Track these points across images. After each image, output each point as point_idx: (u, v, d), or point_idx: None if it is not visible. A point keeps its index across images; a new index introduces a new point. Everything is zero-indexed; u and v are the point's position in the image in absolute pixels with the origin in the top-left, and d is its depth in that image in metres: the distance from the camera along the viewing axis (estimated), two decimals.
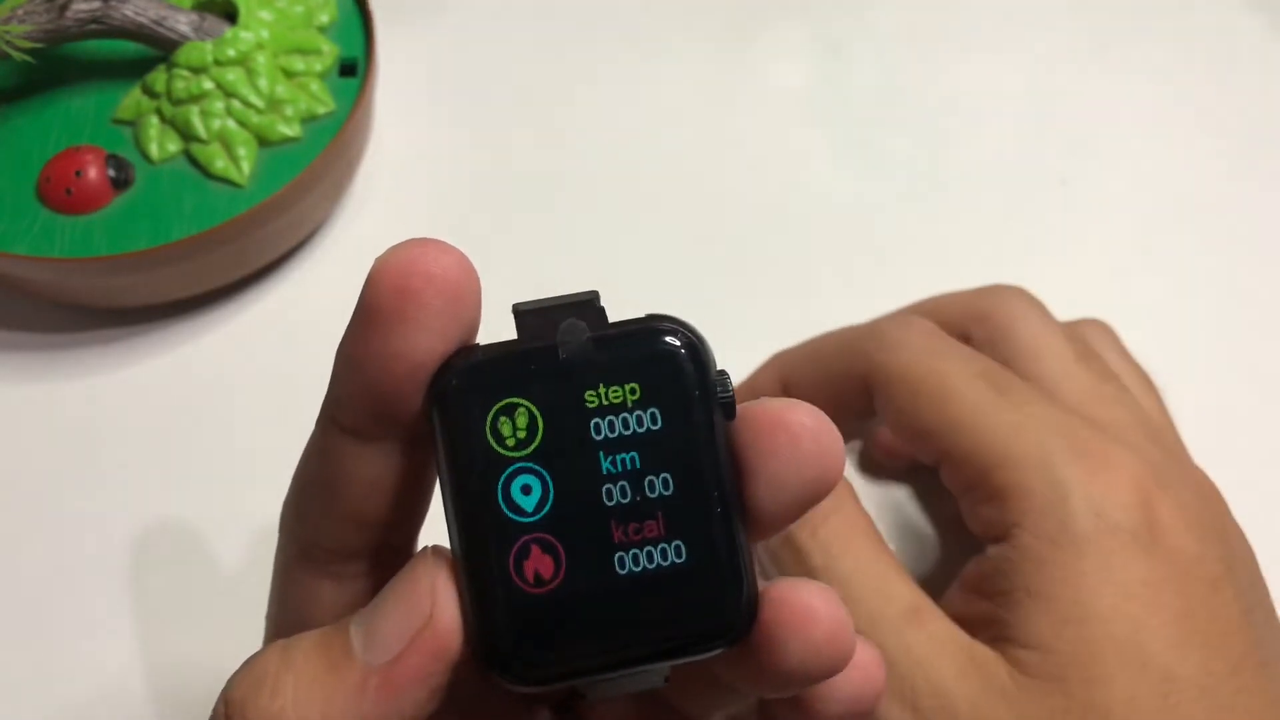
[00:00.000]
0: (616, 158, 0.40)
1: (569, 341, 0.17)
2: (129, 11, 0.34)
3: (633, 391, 0.17)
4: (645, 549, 0.16)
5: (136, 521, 0.32)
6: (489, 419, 0.16)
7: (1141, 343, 0.32)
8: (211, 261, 0.35)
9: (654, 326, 0.17)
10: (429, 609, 0.16)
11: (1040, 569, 0.24)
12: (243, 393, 0.35)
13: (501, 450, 0.16)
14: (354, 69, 0.37)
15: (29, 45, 0.33)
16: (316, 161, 0.35)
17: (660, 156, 0.40)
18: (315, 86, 0.36)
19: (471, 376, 0.17)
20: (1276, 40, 0.44)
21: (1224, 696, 0.23)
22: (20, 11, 0.33)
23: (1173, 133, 0.42)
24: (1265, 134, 0.42)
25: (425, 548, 0.17)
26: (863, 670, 0.19)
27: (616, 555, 0.16)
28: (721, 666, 0.18)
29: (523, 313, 0.17)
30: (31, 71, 0.36)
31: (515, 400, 0.17)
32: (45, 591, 0.31)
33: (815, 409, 0.17)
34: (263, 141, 0.35)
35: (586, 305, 0.17)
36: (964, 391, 0.26)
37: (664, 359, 0.17)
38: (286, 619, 0.20)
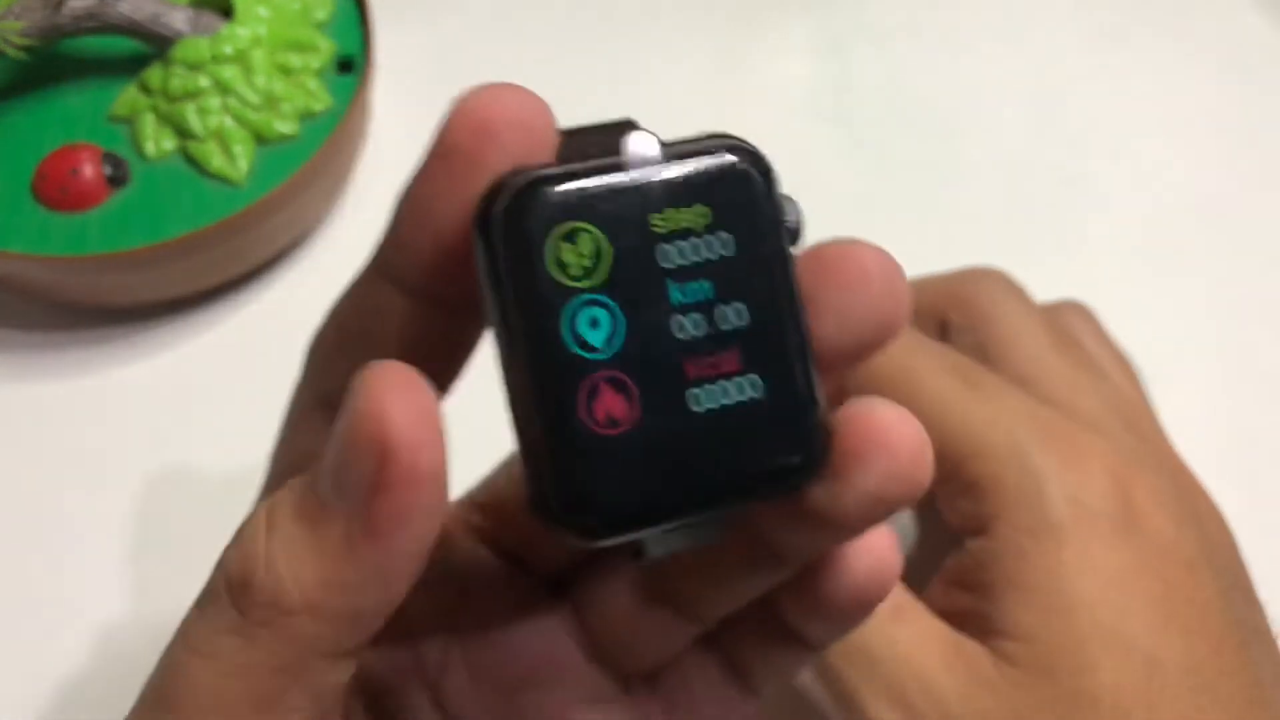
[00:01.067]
0: None
1: (638, 157, 0.15)
2: (125, 8, 0.34)
3: (702, 215, 0.15)
4: (720, 384, 0.16)
5: (133, 520, 0.32)
6: (549, 245, 0.15)
7: (1144, 341, 0.31)
8: (208, 260, 0.34)
9: (721, 143, 0.16)
10: (381, 435, 0.14)
11: (1021, 560, 0.24)
12: (240, 391, 0.35)
13: (565, 280, 0.15)
14: (351, 66, 0.37)
15: (24, 42, 0.33)
16: (314, 159, 0.34)
17: None
18: (312, 83, 0.36)
19: (529, 197, 0.15)
20: None
21: (1207, 678, 0.23)
22: (16, 8, 0.33)
23: (1178, 130, 0.41)
24: (1270, 132, 0.41)
25: (366, 366, 0.15)
26: (874, 553, 0.18)
27: (690, 392, 0.15)
28: (782, 514, 0.17)
29: (570, 133, 0.16)
30: (26, 69, 0.36)
31: (579, 224, 0.15)
32: (44, 591, 0.31)
33: (884, 249, 0.16)
34: (259, 139, 0.35)
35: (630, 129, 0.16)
36: (935, 386, 0.26)
37: (737, 178, 0.16)
38: (292, 461, 0.19)
